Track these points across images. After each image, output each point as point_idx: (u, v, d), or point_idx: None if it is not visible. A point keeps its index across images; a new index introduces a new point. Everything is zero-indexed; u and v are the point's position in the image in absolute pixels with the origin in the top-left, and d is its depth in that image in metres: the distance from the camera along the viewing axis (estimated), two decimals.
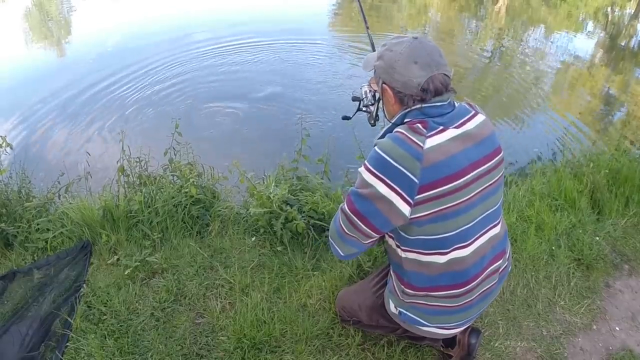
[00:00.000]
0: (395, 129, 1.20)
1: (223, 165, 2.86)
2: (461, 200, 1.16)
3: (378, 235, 1.25)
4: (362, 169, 1.18)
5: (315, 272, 2.18)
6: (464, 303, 1.30)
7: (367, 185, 1.15)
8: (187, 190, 2.46)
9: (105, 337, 1.88)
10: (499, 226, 1.31)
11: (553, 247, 2.37)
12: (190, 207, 2.47)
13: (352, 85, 5.19)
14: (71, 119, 5.04)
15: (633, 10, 10.88)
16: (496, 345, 1.89)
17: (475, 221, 1.22)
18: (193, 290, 2.12)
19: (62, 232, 2.40)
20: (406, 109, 1.21)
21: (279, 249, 2.31)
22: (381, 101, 1.33)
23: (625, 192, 2.72)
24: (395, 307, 1.39)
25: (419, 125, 1.16)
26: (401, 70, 1.18)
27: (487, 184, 1.22)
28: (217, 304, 2.04)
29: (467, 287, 1.26)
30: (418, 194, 1.11)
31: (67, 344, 1.87)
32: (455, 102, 1.26)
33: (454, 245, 1.21)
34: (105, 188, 2.74)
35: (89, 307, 2.03)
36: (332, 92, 5.52)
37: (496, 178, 1.25)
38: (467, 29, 9.54)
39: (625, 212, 2.66)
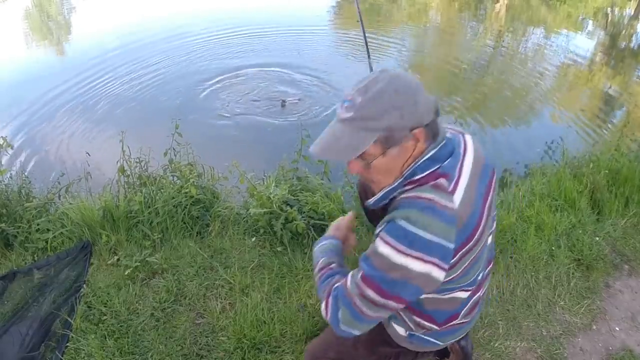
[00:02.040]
0: (417, 193, 0.99)
1: (223, 166, 2.87)
2: (484, 240, 1.07)
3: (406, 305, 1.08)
4: (387, 250, 0.96)
5: None
6: (472, 316, 1.27)
7: (398, 267, 0.97)
8: (187, 190, 2.47)
9: (106, 338, 1.88)
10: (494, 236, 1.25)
11: (553, 248, 2.37)
12: (191, 207, 2.47)
13: (354, 84, 5.18)
14: (71, 119, 5.04)
15: (633, 11, 10.88)
16: (496, 345, 1.90)
17: (487, 247, 1.15)
18: (193, 290, 2.12)
19: (62, 233, 2.40)
20: (417, 160, 1.00)
21: (279, 249, 2.32)
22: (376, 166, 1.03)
23: (625, 192, 2.72)
24: (404, 330, 1.29)
25: (442, 180, 0.98)
26: (421, 99, 0.97)
27: (493, 210, 1.12)
28: (217, 304, 2.04)
29: (474, 299, 1.22)
30: (453, 258, 0.99)
31: (67, 344, 1.87)
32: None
33: (478, 278, 1.15)
34: (105, 188, 2.74)
35: (89, 307, 2.03)
36: (333, 90, 5.52)
37: (495, 198, 1.15)
38: (467, 28, 9.55)
39: (625, 212, 2.66)
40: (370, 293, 1.01)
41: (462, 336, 1.35)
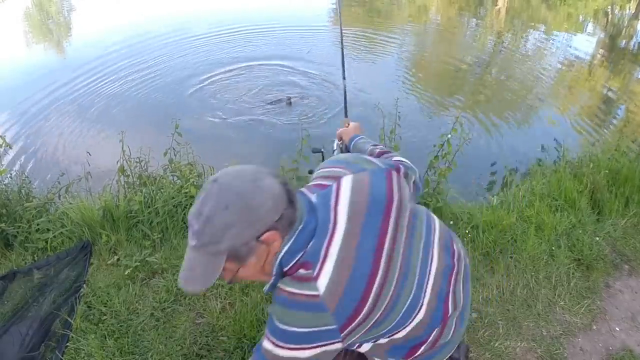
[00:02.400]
0: (282, 286, 0.98)
1: (223, 166, 2.86)
2: (393, 288, 0.99)
3: None
4: (270, 346, 0.96)
5: None
6: (447, 336, 1.17)
7: (288, 359, 0.97)
8: (187, 190, 2.47)
9: (105, 337, 1.88)
10: (443, 252, 1.14)
11: (553, 247, 2.37)
12: (191, 207, 2.47)
13: (354, 82, 5.18)
14: (71, 118, 5.05)
15: (633, 11, 10.88)
16: (496, 345, 1.89)
17: (415, 282, 1.05)
18: None
19: (62, 233, 2.40)
20: (277, 255, 0.96)
21: None
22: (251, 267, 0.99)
23: (625, 192, 2.72)
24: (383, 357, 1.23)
25: (301, 270, 0.95)
26: (260, 201, 0.90)
27: (404, 240, 1.03)
28: (217, 304, 2.04)
29: (444, 321, 1.13)
30: (342, 332, 0.95)
31: (67, 344, 1.87)
32: (303, 190, 1.04)
33: (408, 321, 1.06)
34: (105, 188, 2.74)
35: (89, 307, 2.03)
36: (334, 90, 5.52)
37: (408, 224, 1.04)
38: (467, 29, 9.55)
39: (625, 212, 2.66)
40: None
41: (452, 352, 1.25)
